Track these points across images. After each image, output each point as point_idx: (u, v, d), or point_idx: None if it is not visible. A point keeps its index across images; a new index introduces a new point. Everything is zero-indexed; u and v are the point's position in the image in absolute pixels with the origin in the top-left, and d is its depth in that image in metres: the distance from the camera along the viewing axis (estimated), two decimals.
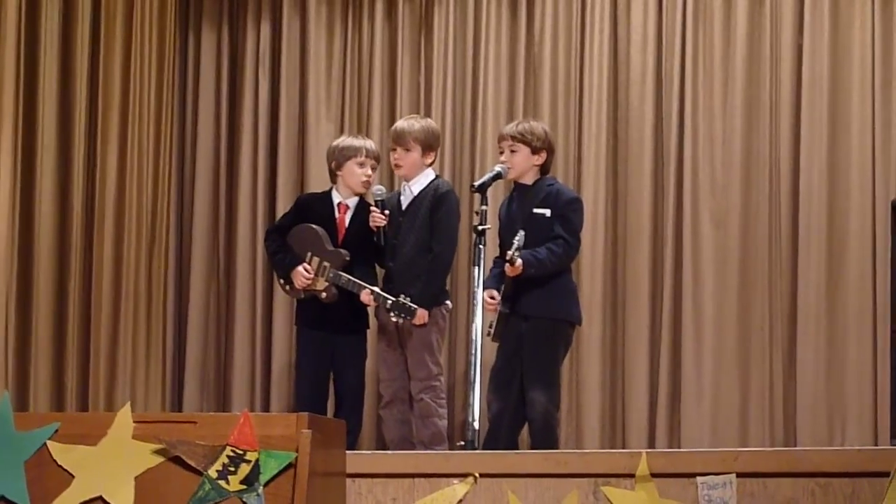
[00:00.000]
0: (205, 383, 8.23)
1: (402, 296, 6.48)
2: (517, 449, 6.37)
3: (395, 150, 6.85)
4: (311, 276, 6.70)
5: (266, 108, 8.29)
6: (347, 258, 6.65)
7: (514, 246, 6.24)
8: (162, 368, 8.01)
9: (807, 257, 7.54)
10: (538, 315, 6.49)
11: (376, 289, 6.57)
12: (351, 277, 6.60)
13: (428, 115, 7.61)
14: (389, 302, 6.46)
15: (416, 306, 6.45)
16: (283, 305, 7.99)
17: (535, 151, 6.61)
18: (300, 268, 6.72)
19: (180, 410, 8.06)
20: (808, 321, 7.50)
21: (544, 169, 6.69)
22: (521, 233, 6.29)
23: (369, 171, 6.82)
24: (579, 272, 7.70)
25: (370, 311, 6.81)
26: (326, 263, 6.67)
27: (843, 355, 7.46)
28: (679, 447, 7.40)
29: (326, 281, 6.66)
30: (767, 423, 7.50)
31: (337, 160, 6.89)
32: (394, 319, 6.52)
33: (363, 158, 6.82)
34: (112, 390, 7.62)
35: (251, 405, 7.87)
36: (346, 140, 7.01)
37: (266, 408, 7.96)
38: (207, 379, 8.23)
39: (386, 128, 7.75)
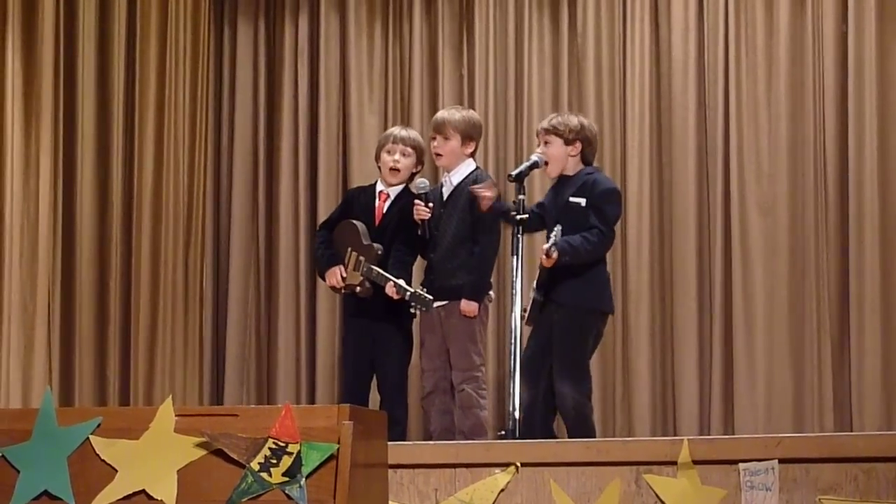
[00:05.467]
0: (245, 377, 8.25)
1: (420, 287, 6.51)
2: (553, 437, 6.37)
3: (434, 138, 6.86)
4: (344, 278, 6.70)
5: (305, 101, 8.33)
6: (380, 252, 6.66)
7: (552, 240, 6.25)
8: (199, 362, 8.05)
9: (859, 243, 7.54)
10: (569, 304, 6.48)
11: (400, 281, 6.55)
12: (381, 271, 6.60)
13: (471, 108, 7.61)
14: (409, 293, 6.46)
15: (431, 297, 6.45)
16: (327, 298, 8.01)
17: (567, 142, 6.59)
18: (336, 268, 6.74)
19: (220, 405, 8.08)
20: (862, 307, 7.50)
21: (586, 160, 6.66)
22: (559, 227, 6.33)
23: (397, 157, 6.83)
24: (626, 261, 7.73)
25: None
26: (362, 258, 6.67)
27: None
28: (733, 435, 7.38)
29: (360, 275, 6.66)
30: (820, 412, 7.49)
31: (376, 151, 6.96)
32: (412, 311, 6.54)
33: (391, 145, 6.86)
34: (151, 384, 7.67)
35: (297, 399, 7.91)
36: (387, 131, 7.09)
37: (312, 402, 7.98)
38: (248, 373, 8.25)
39: (428, 121, 7.76)
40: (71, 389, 7.25)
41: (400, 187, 6.91)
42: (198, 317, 8.08)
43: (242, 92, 8.47)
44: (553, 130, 6.61)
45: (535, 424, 6.32)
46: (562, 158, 6.61)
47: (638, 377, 7.75)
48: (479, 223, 6.71)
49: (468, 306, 6.63)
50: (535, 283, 6.47)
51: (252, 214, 8.39)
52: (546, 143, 6.62)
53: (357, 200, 7.00)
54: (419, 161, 6.97)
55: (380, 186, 6.93)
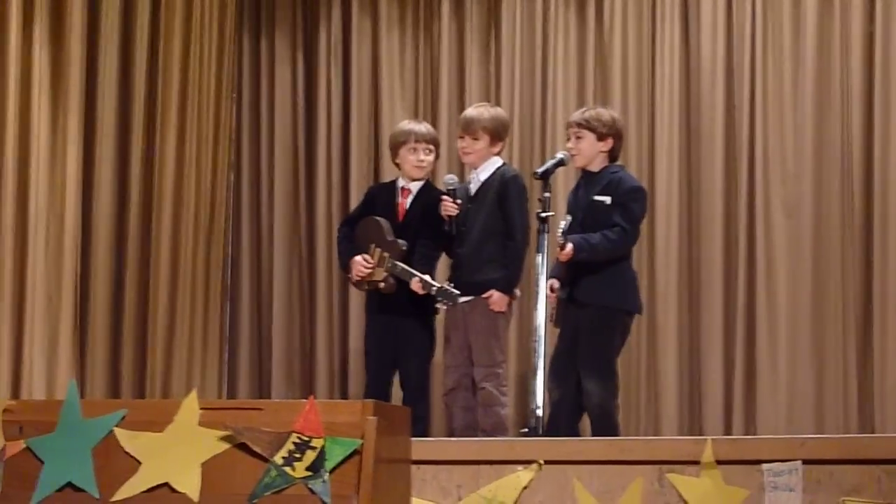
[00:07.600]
0: (290, 372, 8.28)
1: (447, 282, 6.49)
2: (578, 436, 6.36)
3: (462, 137, 6.83)
4: (371, 266, 6.69)
5: (339, 99, 8.37)
6: (405, 248, 6.64)
7: (560, 232, 6.24)
8: (219, 358, 8.06)
9: (883, 244, 7.54)
10: (594, 303, 6.46)
11: (426, 277, 6.54)
12: (405, 267, 6.58)
13: (497, 105, 7.60)
14: (434, 289, 6.45)
15: (458, 292, 6.44)
16: (358, 293, 8.03)
17: (600, 138, 6.55)
18: (359, 258, 6.73)
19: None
20: (885, 308, 7.48)
21: (613, 156, 6.63)
22: (568, 218, 6.35)
23: (421, 157, 6.80)
24: (654, 261, 7.72)
25: None
26: (386, 254, 6.66)
27: None
28: (755, 435, 7.37)
29: (385, 271, 6.65)
30: (843, 413, 7.48)
31: (392, 147, 6.93)
32: (438, 306, 6.54)
33: (413, 144, 6.81)
34: (168, 378, 7.68)
35: (331, 394, 7.92)
36: (399, 126, 7.05)
37: (345, 396, 8.00)
38: (293, 368, 8.29)
39: (456, 117, 7.76)
40: (83, 383, 7.26)
41: (422, 182, 6.88)
42: (217, 312, 8.09)
43: (281, 92, 8.50)
44: (586, 125, 6.56)
45: (562, 424, 6.31)
46: (592, 153, 6.57)
47: (665, 377, 7.75)
48: (508, 219, 6.70)
49: (500, 299, 6.61)
50: (551, 277, 6.42)
51: (293, 213, 8.42)
52: (578, 137, 6.57)
53: (379, 197, 6.97)
54: (438, 154, 6.97)
55: (401, 182, 6.90)
